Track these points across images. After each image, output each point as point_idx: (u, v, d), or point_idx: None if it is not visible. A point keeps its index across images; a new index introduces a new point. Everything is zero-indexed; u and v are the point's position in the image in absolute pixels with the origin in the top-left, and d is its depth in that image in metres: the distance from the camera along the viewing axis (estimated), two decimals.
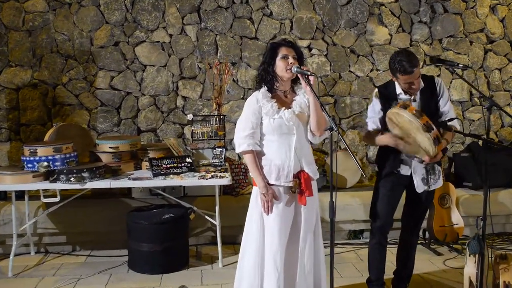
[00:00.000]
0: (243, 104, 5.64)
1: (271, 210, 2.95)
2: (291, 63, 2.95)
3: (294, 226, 3.04)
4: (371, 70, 5.74)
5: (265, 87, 3.04)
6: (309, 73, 2.91)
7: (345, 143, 2.70)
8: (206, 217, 4.45)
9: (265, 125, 2.99)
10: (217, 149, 4.69)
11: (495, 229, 5.10)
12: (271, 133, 2.99)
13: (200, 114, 5.39)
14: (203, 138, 4.84)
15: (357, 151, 5.73)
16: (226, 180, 4.12)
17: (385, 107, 3.35)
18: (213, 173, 4.25)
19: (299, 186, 2.97)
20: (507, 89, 6.02)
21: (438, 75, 5.78)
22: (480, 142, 5.21)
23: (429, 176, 3.44)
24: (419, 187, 3.42)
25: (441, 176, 3.52)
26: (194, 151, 4.86)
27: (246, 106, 3.07)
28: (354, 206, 4.94)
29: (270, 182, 2.97)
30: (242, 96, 5.59)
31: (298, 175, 2.98)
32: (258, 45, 5.56)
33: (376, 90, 3.47)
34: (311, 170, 3.06)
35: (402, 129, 3.19)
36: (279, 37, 5.56)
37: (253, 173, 3.00)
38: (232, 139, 5.67)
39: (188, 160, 4.39)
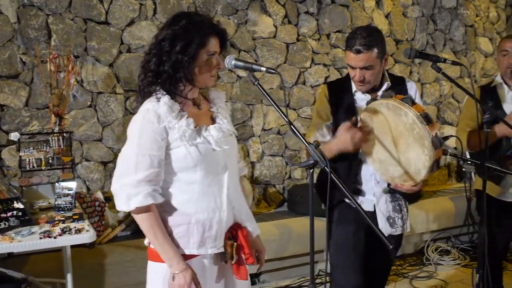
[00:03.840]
0: (90, 115, 4.10)
1: None
2: (218, 67, 1.88)
3: None
4: None
5: (164, 93, 1.80)
6: (263, 69, 1.81)
7: (343, 186, 1.62)
8: None
9: (179, 157, 1.77)
10: (61, 183, 3.11)
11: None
12: (191, 169, 1.77)
13: (31, 132, 3.69)
14: (39, 167, 3.22)
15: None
16: (87, 235, 2.70)
17: (337, 109, 2.42)
18: (63, 225, 2.75)
19: (236, 251, 1.82)
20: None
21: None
22: None
23: (396, 215, 2.50)
24: (383, 228, 2.46)
25: (408, 217, 2.59)
26: (24, 188, 3.20)
27: (135, 129, 1.77)
28: None
29: (189, 251, 1.77)
30: (89, 104, 4.00)
31: (233, 234, 1.85)
32: (110, 32, 4.04)
33: (325, 85, 2.53)
34: (252, 224, 1.96)
35: (384, 133, 2.20)
36: (135, 22, 4.12)
37: (156, 242, 1.74)
38: (78, 164, 4.10)
39: (17, 205, 2.81)
